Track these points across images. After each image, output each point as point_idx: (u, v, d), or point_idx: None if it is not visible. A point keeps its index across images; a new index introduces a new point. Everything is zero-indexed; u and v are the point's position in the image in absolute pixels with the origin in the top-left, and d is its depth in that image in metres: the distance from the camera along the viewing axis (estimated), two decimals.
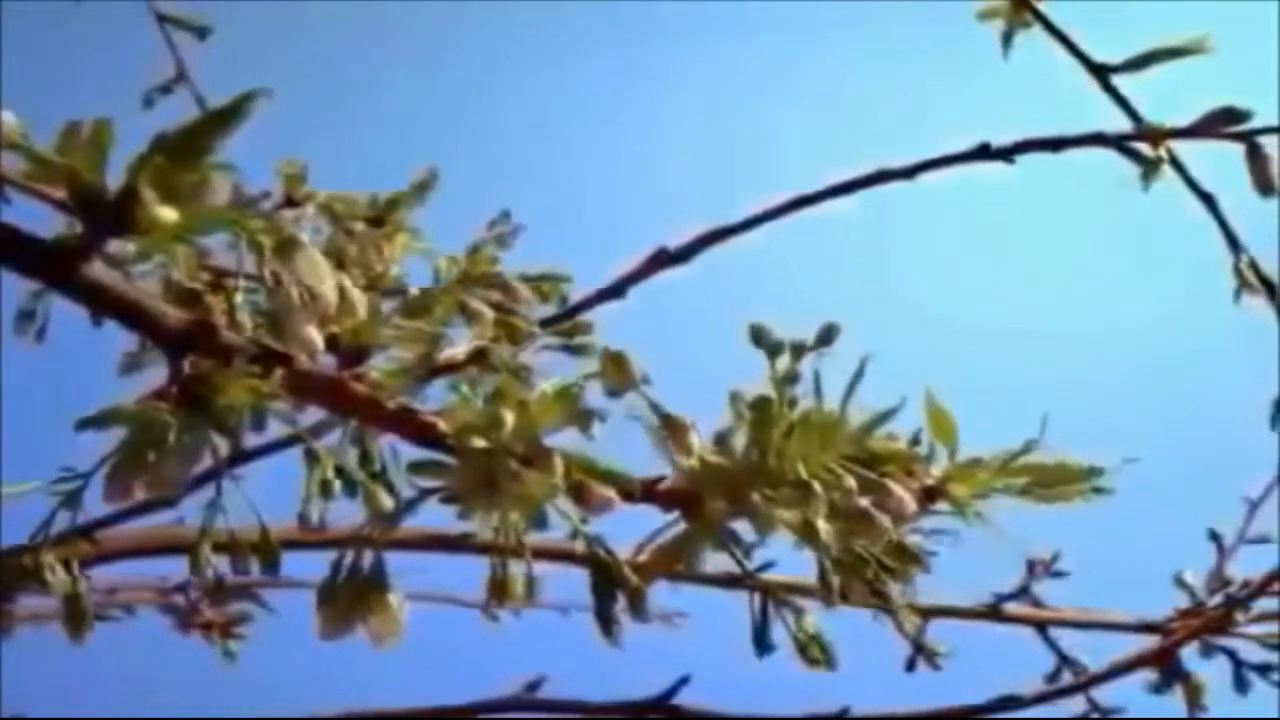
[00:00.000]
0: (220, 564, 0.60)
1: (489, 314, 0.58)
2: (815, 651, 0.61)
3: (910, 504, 0.56)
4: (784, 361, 0.56)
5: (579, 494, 0.52)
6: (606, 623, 0.55)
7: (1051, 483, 0.62)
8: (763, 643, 0.60)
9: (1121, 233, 1.20)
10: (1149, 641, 0.94)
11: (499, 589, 0.54)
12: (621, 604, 0.60)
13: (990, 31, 0.91)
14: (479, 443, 0.49)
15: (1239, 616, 0.95)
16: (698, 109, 1.37)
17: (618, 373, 0.54)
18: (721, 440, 0.55)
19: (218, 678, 0.87)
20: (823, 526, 0.52)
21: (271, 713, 0.78)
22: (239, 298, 0.51)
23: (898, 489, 0.56)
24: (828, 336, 0.58)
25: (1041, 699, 0.81)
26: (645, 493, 0.54)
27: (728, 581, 0.63)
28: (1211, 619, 0.88)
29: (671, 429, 0.55)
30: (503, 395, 0.49)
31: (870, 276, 1.26)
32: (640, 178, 1.35)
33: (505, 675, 0.78)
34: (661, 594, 0.62)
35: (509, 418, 0.49)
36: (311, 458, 0.54)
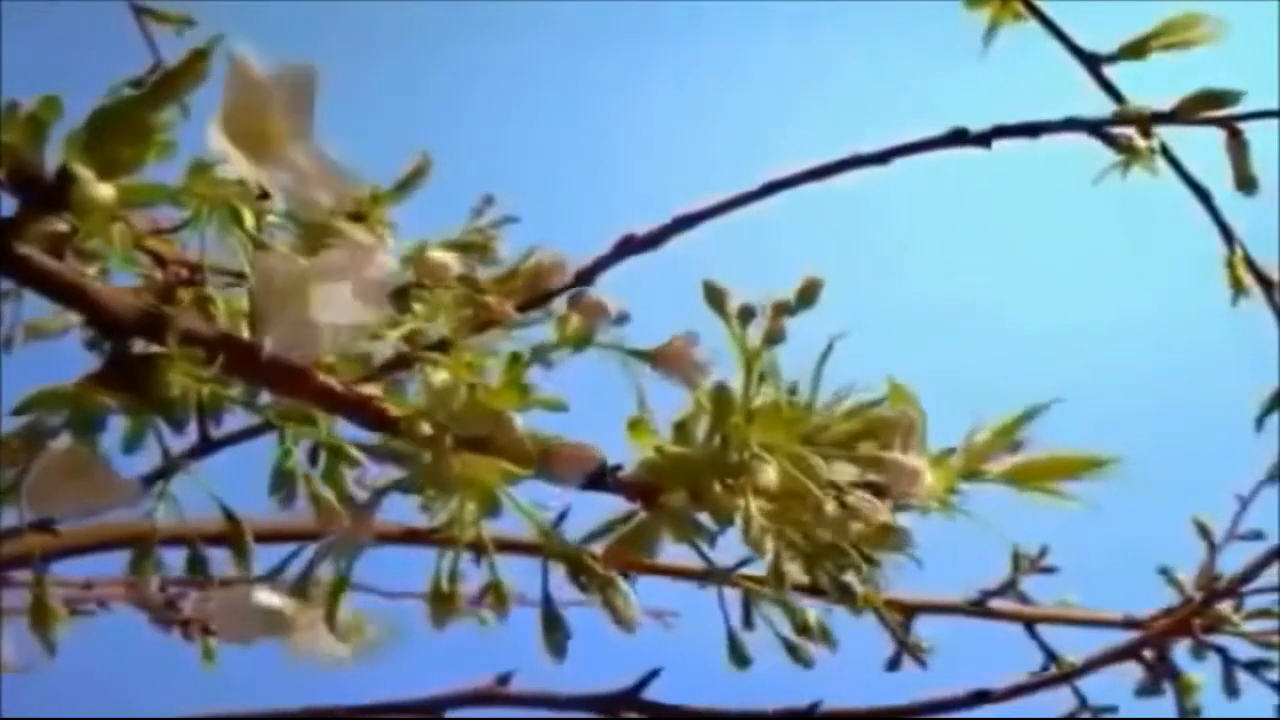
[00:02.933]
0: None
1: (452, 268, 0.56)
2: (806, 651, 0.60)
3: (917, 468, 0.54)
4: (753, 329, 0.55)
5: (548, 459, 0.50)
6: (552, 625, 0.53)
7: (1037, 475, 0.61)
8: (739, 654, 0.59)
9: (1115, 225, 1.19)
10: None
11: (442, 601, 0.53)
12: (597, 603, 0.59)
13: (993, 28, 0.90)
14: (426, 428, 0.48)
15: (1235, 615, 0.94)
16: (678, 101, 1.37)
17: (589, 311, 0.52)
18: (681, 428, 0.54)
19: (186, 670, 0.86)
20: (755, 507, 0.50)
21: (239, 706, 0.77)
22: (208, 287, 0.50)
23: (898, 456, 0.54)
24: (809, 295, 0.56)
25: (1014, 693, 0.80)
26: (605, 481, 0.53)
27: (703, 576, 0.61)
28: (1191, 613, 0.87)
29: (668, 357, 0.53)
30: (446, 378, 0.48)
31: (861, 268, 1.25)
32: (624, 171, 1.34)
33: (480, 670, 0.78)
34: (650, 591, 0.61)
35: (454, 401, 0.47)
36: (292, 422, 0.52)
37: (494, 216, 0.66)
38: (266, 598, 0.54)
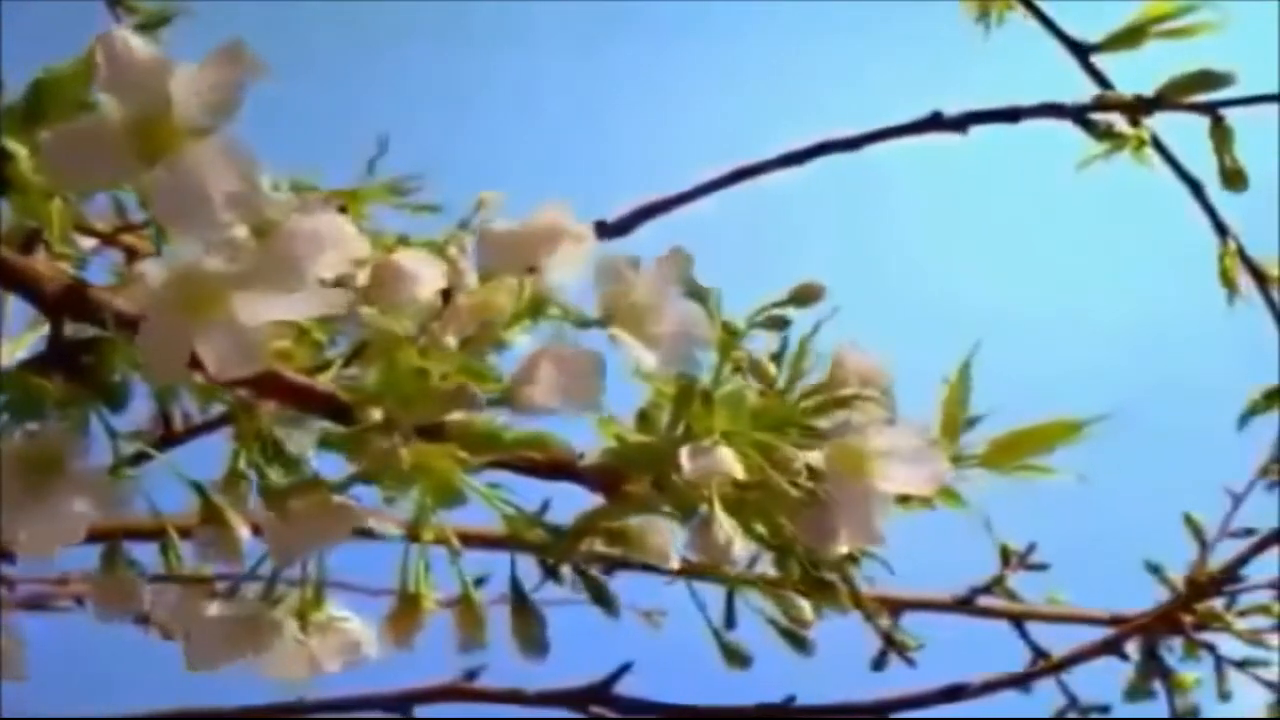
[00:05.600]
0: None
1: (410, 275, 0.52)
2: (805, 639, 0.58)
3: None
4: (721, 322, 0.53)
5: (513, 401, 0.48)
6: (525, 618, 0.52)
7: (1018, 449, 0.59)
8: (733, 654, 0.57)
9: (1112, 218, 1.18)
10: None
11: (407, 607, 0.51)
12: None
13: (983, 17, 0.89)
14: (376, 414, 0.46)
15: (1228, 613, 0.93)
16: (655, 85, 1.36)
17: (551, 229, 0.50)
18: (644, 416, 0.52)
19: (150, 665, 0.85)
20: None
21: (207, 701, 0.77)
22: None
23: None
24: (804, 297, 0.55)
25: (988, 689, 0.79)
26: (566, 470, 0.52)
27: (679, 572, 0.60)
28: (1177, 609, 0.86)
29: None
30: (396, 362, 0.46)
31: (857, 264, 1.24)
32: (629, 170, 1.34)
33: (452, 665, 0.77)
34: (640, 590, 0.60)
35: (406, 385, 0.46)
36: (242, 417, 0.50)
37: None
38: (228, 609, 0.52)
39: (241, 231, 0.41)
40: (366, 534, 0.61)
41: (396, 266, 0.49)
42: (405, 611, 0.52)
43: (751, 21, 1.35)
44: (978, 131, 0.80)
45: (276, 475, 0.49)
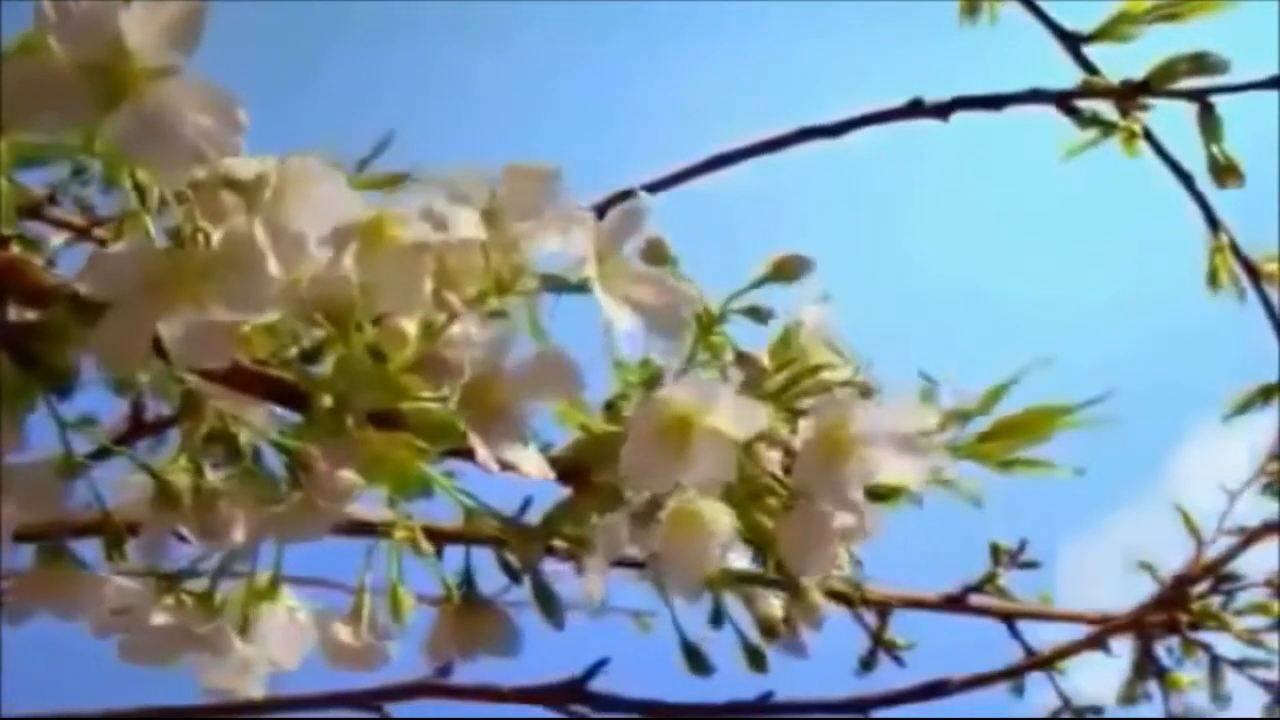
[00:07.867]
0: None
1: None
2: (764, 658, 0.57)
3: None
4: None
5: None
6: (474, 611, 0.51)
7: (1008, 437, 0.58)
8: (697, 661, 0.56)
9: (1107, 207, 1.17)
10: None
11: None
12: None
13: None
14: (328, 401, 0.45)
15: (1225, 613, 0.92)
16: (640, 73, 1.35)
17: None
18: (611, 407, 0.51)
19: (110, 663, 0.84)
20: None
21: (177, 697, 0.76)
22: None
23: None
24: (786, 271, 0.53)
25: (970, 685, 0.77)
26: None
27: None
28: (1165, 605, 0.84)
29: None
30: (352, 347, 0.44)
31: (852, 249, 1.23)
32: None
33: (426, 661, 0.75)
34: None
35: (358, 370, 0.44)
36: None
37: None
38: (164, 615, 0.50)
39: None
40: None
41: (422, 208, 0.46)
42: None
43: (748, 16, 1.34)
44: (979, 126, 0.79)
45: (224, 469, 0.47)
